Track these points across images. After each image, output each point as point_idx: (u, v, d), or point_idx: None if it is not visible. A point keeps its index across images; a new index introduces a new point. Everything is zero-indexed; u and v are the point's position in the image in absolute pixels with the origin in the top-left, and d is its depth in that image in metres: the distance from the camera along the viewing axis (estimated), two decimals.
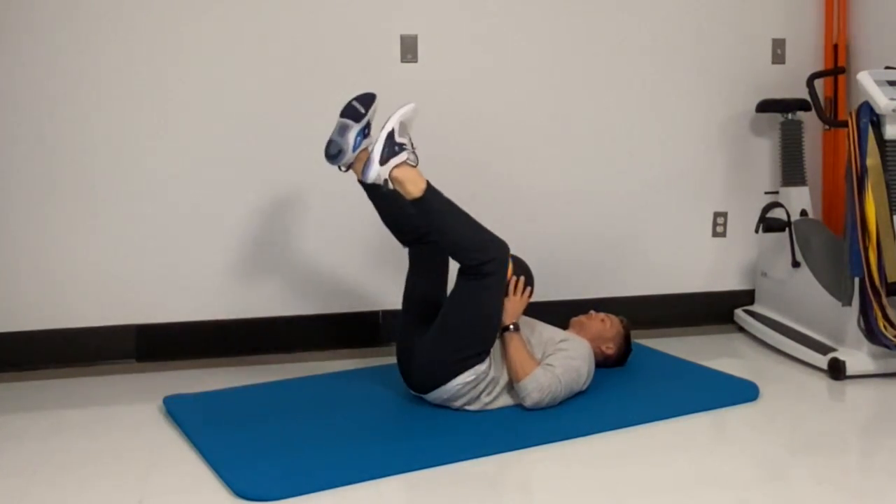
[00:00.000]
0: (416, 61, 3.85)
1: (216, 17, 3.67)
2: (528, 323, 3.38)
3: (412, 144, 3.04)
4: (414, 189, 3.00)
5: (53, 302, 3.65)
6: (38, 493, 2.59)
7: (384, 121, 2.99)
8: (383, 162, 2.96)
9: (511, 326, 3.18)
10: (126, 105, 3.63)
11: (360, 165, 3.19)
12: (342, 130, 3.16)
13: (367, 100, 3.20)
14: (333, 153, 3.16)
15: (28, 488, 2.62)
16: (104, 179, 3.64)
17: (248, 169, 3.76)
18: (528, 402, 3.10)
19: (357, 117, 3.16)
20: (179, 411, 3.12)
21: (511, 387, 3.15)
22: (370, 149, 2.98)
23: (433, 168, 3.83)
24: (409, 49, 3.84)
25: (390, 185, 3.01)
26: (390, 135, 2.97)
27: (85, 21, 3.55)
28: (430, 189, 3.02)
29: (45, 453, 2.86)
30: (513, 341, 3.16)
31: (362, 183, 3.19)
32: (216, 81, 3.69)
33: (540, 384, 3.09)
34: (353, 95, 3.20)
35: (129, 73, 3.61)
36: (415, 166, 3.03)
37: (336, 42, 3.78)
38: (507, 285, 3.21)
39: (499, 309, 3.13)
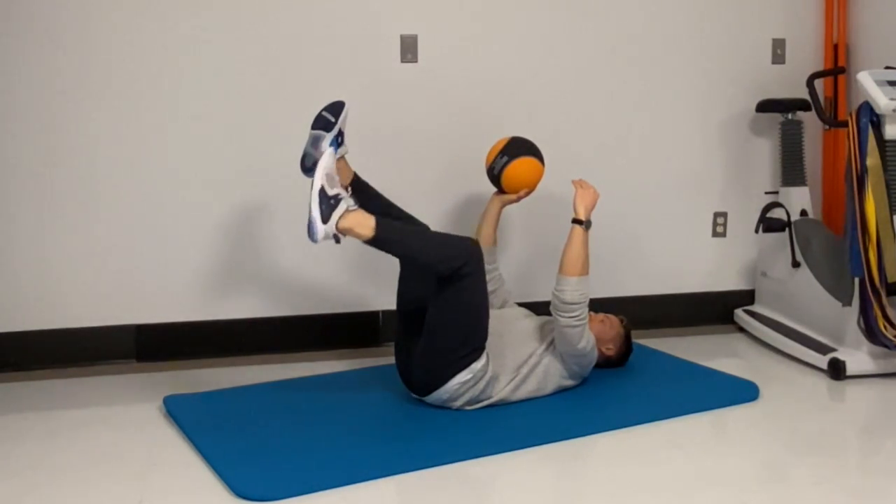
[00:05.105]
0: (416, 61, 3.85)
1: (215, 17, 3.67)
2: (526, 314, 3.44)
3: (346, 189, 3.04)
4: (365, 231, 2.98)
5: (53, 302, 3.65)
6: (39, 493, 2.59)
7: (310, 183, 2.94)
8: (325, 220, 2.92)
9: (583, 223, 3.23)
10: (125, 105, 3.63)
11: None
12: (315, 142, 3.16)
13: (336, 108, 3.20)
14: (309, 165, 3.16)
15: (28, 488, 2.62)
16: (103, 179, 3.64)
17: (249, 170, 3.76)
18: (563, 296, 3.13)
19: (328, 127, 3.16)
20: (179, 411, 3.12)
21: (511, 384, 3.16)
22: (310, 210, 2.92)
23: (432, 168, 3.85)
24: (409, 49, 3.84)
25: (341, 238, 2.98)
26: (321, 191, 2.92)
27: (81, 24, 3.56)
28: (379, 225, 3.00)
29: (45, 453, 2.86)
30: (578, 236, 3.21)
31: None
32: (216, 82, 3.69)
33: (582, 292, 3.13)
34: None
35: (129, 74, 3.61)
36: (357, 209, 3.01)
37: (336, 42, 3.77)
38: (574, 183, 3.27)
39: (484, 303, 3.13)
